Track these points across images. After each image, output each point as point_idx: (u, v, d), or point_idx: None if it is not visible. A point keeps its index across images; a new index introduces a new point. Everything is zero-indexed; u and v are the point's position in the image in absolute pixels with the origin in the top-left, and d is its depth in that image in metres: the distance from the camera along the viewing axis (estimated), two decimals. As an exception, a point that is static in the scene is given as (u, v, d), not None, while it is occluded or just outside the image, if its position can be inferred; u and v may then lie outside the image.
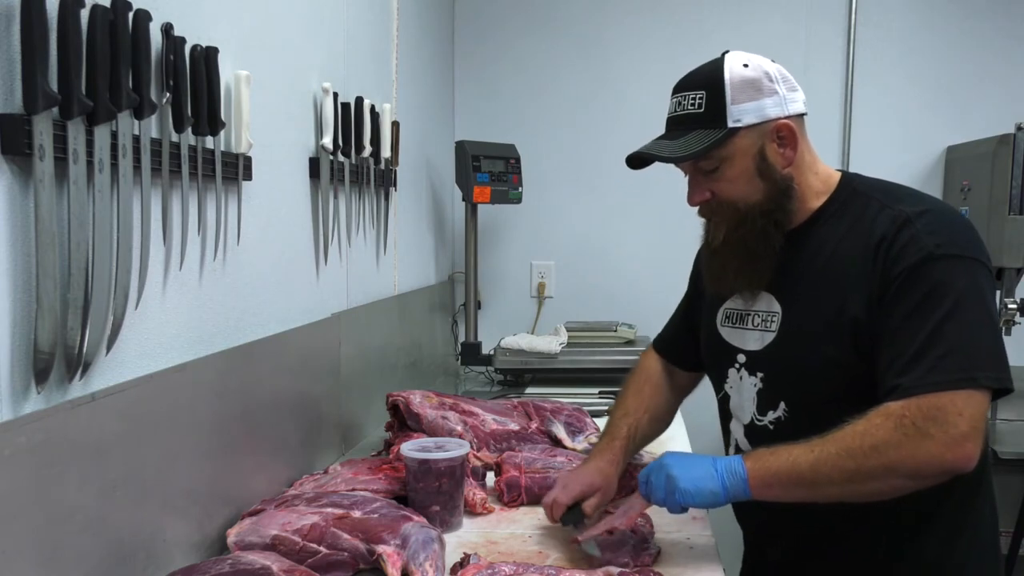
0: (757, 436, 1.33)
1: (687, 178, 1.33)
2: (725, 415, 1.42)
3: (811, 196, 1.31)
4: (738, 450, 1.38)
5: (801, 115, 1.30)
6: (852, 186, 1.31)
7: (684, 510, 1.23)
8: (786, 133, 1.26)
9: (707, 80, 1.27)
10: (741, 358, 1.36)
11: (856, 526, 1.26)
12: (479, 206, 2.76)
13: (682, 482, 1.20)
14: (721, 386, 1.42)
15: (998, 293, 2.55)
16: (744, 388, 1.35)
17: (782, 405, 1.30)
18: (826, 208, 1.30)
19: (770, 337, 1.31)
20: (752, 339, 1.34)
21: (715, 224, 1.33)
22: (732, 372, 1.38)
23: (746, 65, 1.26)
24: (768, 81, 1.26)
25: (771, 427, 1.31)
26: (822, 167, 1.34)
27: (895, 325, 1.17)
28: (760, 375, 1.32)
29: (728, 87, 1.24)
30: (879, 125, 3.02)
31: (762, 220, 1.28)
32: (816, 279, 1.27)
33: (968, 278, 1.16)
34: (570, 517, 1.36)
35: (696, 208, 1.35)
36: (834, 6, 3.02)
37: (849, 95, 3.02)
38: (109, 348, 1.03)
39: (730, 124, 1.24)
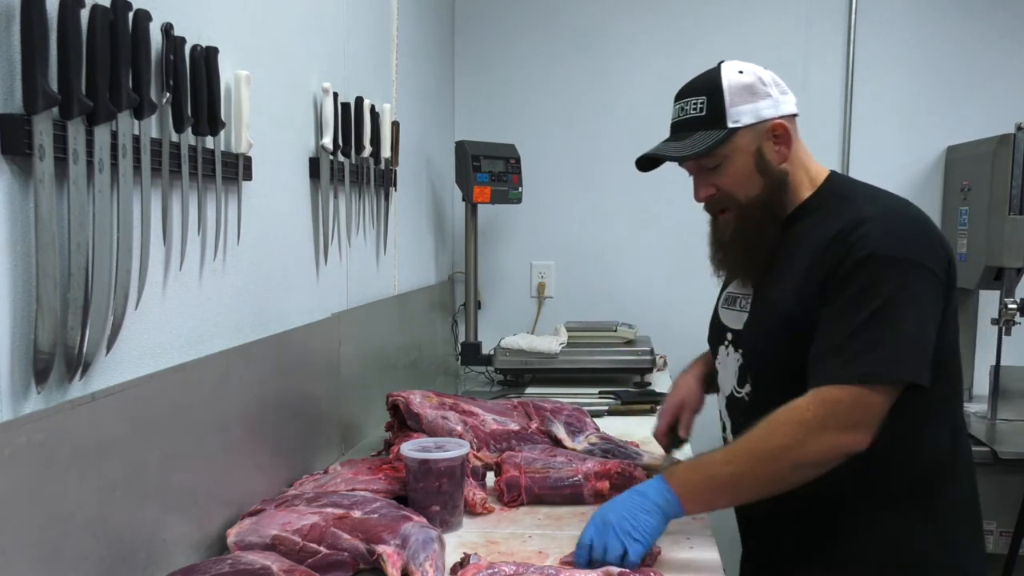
0: (734, 407, 1.45)
1: (692, 177, 1.43)
2: (717, 388, 1.54)
3: (800, 191, 1.40)
4: (723, 423, 1.51)
5: (793, 115, 1.39)
6: (833, 185, 1.40)
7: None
8: (781, 132, 1.36)
9: (707, 86, 1.37)
10: (728, 336, 1.46)
11: (840, 521, 1.33)
12: (479, 206, 2.76)
13: (636, 533, 1.21)
14: (714, 362, 1.53)
15: (999, 293, 2.56)
16: (728, 363, 1.46)
17: (751, 379, 1.40)
18: (807, 204, 1.39)
19: (744, 317, 1.42)
20: (736, 319, 1.45)
21: (723, 221, 1.42)
22: (722, 349, 1.49)
23: (741, 72, 1.37)
24: (762, 85, 1.37)
25: (746, 399, 1.41)
26: (814, 165, 1.43)
27: (826, 317, 1.26)
28: (740, 351, 1.43)
29: (727, 92, 1.35)
30: (879, 125, 3.02)
31: (760, 212, 1.37)
32: (781, 268, 1.36)
33: (901, 280, 1.23)
34: (673, 443, 1.62)
35: (702, 205, 1.44)
36: (834, 6, 3.02)
37: (849, 95, 3.02)
38: (109, 348, 1.03)
39: (730, 124, 1.35)
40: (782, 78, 1.45)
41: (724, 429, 1.50)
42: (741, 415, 1.41)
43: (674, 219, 3.06)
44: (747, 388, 1.41)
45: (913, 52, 3.01)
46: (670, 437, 1.62)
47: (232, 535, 1.25)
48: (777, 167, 1.37)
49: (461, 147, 2.70)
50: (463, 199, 2.73)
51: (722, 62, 1.39)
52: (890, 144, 3.01)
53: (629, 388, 2.46)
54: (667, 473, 1.29)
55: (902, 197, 1.37)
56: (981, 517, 1.41)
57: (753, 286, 1.41)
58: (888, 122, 3.02)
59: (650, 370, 2.58)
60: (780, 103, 1.37)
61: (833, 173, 1.43)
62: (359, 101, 1.90)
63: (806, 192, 1.40)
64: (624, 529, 1.22)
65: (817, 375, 1.24)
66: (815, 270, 1.29)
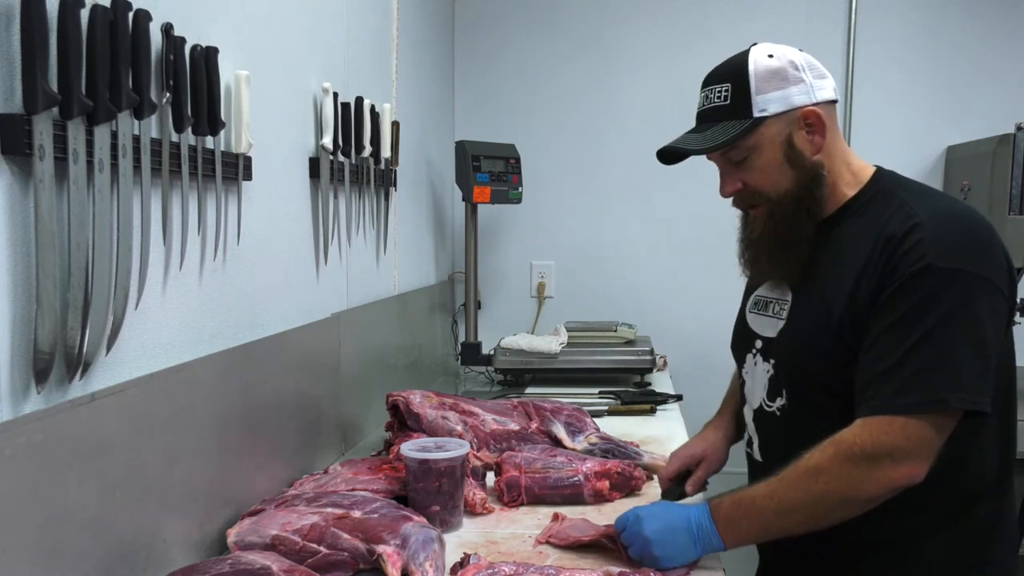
0: (764, 421, 1.36)
1: (719, 171, 1.34)
2: (743, 399, 1.44)
3: (842, 187, 1.30)
4: (748, 438, 1.42)
5: (831, 102, 1.29)
6: (881, 182, 1.30)
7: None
8: (814, 120, 1.26)
9: (732, 72, 1.28)
10: (758, 344, 1.37)
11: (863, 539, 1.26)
12: (479, 206, 2.76)
13: (656, 548, 1.20)
14: (740, 371, 1.44)
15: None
16: (757, 374, 1.37)
17: (785, 392, 1.31)
18: (852, 203, 1.30)
19: (781, 324, 1.33)
20: (769, 326, 1.35)
21: (752, 217, 1.34)
22: (749, 357, 1.39)
23: (771, 55, 1.26)
24: (794, 69, 1.26)
25: (777, 413, 1.33)
26: (855, 160, 1.33)
27: (877, 333, 1.17)
28: (772, 361, 1.34)
29: (753, 78, 1.25)
30: (879, 125, 3.02)
31: (793, 207, 1.28)
32: (826, 272, 1.27)
33: (962, 294, 1.13)
34: (672, 492, 1.48)
35: (727, 201, 1.36)
36: (834, 6, 3.02)
37: (849, 95, 3.02)
38: (109, 348, 1.03)
39: (756, 114, 1.25)
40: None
41: (750, 444, 1.41)
42: (771, 431, 1.34)
43: (675, 218, 3.06)
44: (780, 402, 1.32)
45: (913, 52, 3.01)
46: (673, 483, 1.50)
47: (232, 535, 1.25)
48: (810, 158, 1.26)
49: (461, 147, 2.70)
50: (463, 199, 2.73)
51: (754, 44, 1.29)
52: (890, 144, 3.01)
53: (629, 388, 2.46)
54: (713, 506, 1.22)
55: (958, 199, 1.27)
56: (1016, 528, 1.33)
57: (790, 288, 1.32)
58: (888, 122, 3.02)
59: (650, 370, 2.58)
60: (814, 89, 1.26)
61: (880, 169, 1.32)
62: (359, 101, 1.89)
63: (850, 189, 1.30)
64: (654, 555, 1.20)
65: (866, 402, 1.15)
66: (867, 276, 1.19)
